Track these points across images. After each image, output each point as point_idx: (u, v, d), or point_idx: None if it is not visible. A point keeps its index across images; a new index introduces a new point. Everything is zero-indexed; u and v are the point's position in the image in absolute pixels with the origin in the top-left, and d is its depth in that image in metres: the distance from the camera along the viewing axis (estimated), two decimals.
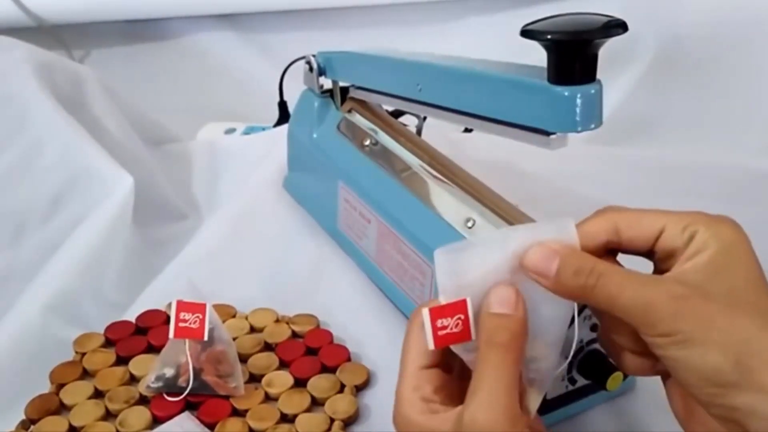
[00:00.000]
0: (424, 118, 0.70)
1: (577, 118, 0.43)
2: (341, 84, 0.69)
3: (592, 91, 0.43)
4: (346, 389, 0.53)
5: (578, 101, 0.43)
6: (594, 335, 0.47)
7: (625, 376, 0.50)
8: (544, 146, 0.46)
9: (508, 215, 0.52)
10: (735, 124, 0.95)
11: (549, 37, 0.41)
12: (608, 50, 1.10)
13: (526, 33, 0.42)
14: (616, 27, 0.42)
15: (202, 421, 0.50)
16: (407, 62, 0.56)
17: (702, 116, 0.95)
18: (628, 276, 0.35)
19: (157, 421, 0.50)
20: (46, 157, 0.70)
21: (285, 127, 0.78)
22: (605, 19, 0.43)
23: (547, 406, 0.48)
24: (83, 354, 0.55)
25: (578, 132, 0.44)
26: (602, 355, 0.48)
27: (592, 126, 0.43)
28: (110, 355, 0.55)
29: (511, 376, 0.35)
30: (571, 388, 0.49)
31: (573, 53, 0.42)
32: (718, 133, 0.92)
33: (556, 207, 0.70)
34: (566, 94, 0.43)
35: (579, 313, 0.45)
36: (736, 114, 0.96)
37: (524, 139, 0.47)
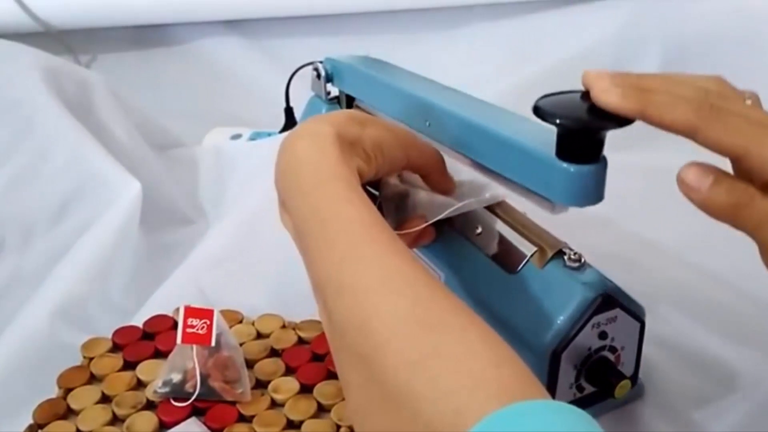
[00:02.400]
0: None
1: (579, 195, 0.44)
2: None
3: (595, 171, 0.43)
4: None
5: (581, 180, 0.44)
6: (602, 343, 0.47)
7: (633, 384, 0.50)
8: (548, 210, 0.47)
9: (516, 222, 0.52)
10: None
11: (558, 121, 0.42)
12: (616, 56, 1.09)
13: (537, 111, 0.43)
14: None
15: (208, 427, 0.50)
16: (418, 98, 0.57)
17: None
18: None
19: (164, 426, 0.50)
20: (54, 163, 0.71)
21: None
22: None
23: None
24: (91, 359, 0.55)
25: (579, 207, 0.45)
26: (610, 363, 0.48)
27: (592, 203, 0.45)
28: (117, 360, 0.55)
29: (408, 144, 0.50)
30: (578, 395, 0.48)
31: (580, 138, 0.43)
32: None
33: (563, 215, 0.70)
34: (571, 170, 0.43)
35: (587, 322, 0.46)
36: None
37: (528, 198, 0.48)
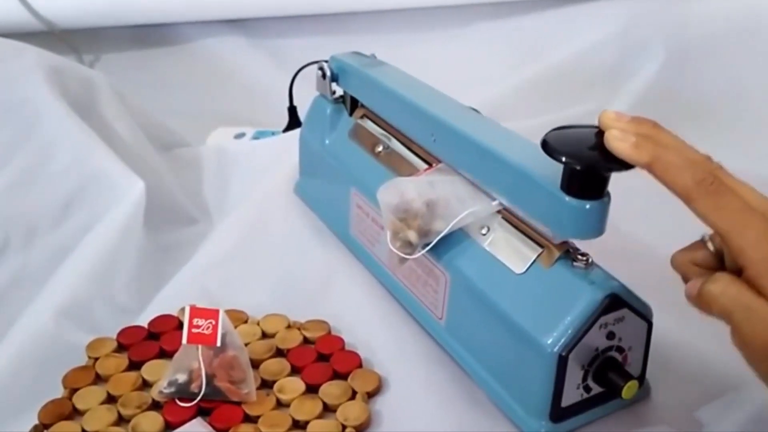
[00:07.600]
0: None
1: (580, 229, 0.45)
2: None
3: (598, 207, 0.45)
4: (358, 396, 0.53)
5: (583, 215, 0.45)
6: (610, 343, 0.47)
7: (640, 385, 0.50)
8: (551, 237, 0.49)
9: (522, 222, 0.52)
10: (741, 130, 0.95)
11: (563, 159, 0.43)
12: (618, 55, 1.09)
13: (544, 145, 0.44)
14: None
15: (214, 427, 0.50)
16: (426, 112, 0.57)
17: (708, 122, 0.95)
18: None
19: (169, 426, 0.50)
20: (58, 162, 0.71)
21: (295, 132, 0.78)
22: None
23: (562, 414, 0.48)
24: (96, 359, 0.55)
25: (579, 239, 0.47)
26: (618, 363, 0.48)
27: (593, 237, 0.46)
28: (123, 360, 0.55)
29: None
30: (586, 396, 0.48)
31: (586, 178, 0.44)
32: (726, 139, 0.92)
33: None
34: (574, 205, 0.44)
35: (594, 322, 0.46)
36: (742, 120, 0.96)
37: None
